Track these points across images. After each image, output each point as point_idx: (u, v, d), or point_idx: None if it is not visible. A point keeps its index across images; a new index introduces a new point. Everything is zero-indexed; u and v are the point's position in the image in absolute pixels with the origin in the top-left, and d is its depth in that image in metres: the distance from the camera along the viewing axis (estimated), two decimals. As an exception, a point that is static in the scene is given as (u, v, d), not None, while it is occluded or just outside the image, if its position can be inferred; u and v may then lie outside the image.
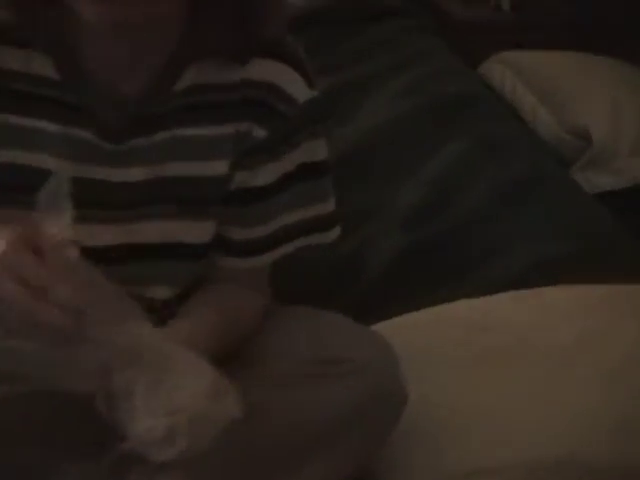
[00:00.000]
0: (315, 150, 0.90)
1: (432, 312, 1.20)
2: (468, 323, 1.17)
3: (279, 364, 0.89)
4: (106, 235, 0.87)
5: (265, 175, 0.87)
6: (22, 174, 0.85)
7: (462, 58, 2.09)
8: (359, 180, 1.49)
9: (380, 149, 1.62)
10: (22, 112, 0.84)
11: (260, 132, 0.85)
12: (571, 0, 2.36)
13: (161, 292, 0.90)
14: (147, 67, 0.82)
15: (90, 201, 0.83)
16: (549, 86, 2.06)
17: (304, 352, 0.89)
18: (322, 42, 1.84)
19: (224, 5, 0.79)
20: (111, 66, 0.82)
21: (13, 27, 0.79)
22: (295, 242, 0.92)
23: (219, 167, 0.86)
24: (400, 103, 1.77)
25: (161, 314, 0.86)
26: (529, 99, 2.06)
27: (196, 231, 0.88)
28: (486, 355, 1.11)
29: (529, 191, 1.51)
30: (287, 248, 0.92)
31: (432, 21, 2.28)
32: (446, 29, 2.27)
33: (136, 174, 0.85)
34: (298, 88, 0.86)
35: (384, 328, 1.06)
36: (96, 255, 0.78)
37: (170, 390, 0.71)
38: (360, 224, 1.39)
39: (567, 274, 1.26)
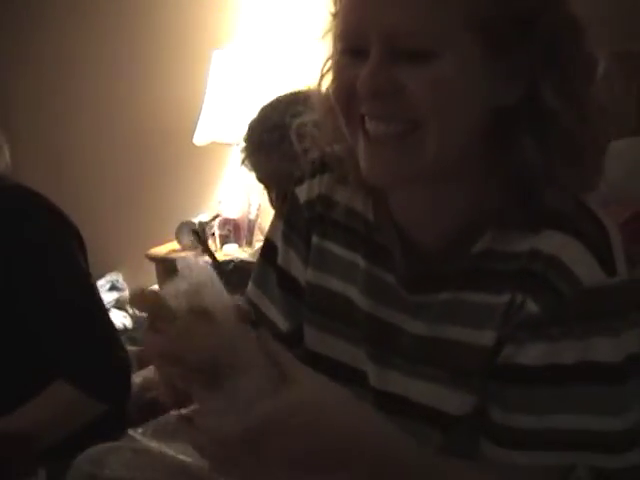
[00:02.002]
0: (604, 350, 0.78)
1: None
2: None
3: None
4: (389, 380, 0.90)
5: (531, 355, 0.80)
6: (331, 299, 0.95)
7: None
8: None
9: None
10: (342, 243, 0.95)
11: (533, 306, 0.80)
12: None
13: None
14: (447, 226, 0.85)
15: (380, 341, 0.91)
16: None
17: None
18: None
19: (513, 179, 0.80)
20: (412, 221, 0.88)
21: (345, 166, 0.90)
22: (568, 454, 0.80)
23: (488, 337, 0.83)
24: None
25: None
26: None
27: (457, 401, 0.85)
28: None
29: None
30: (558, 458, 0.81)
31: None
32: None
33: (420, 328, 0.88)
34: (586, 269, 0.78)
35: None
36: (376, 397, 0.90)
37: None
38: None
39: None
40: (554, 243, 0.79)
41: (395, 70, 0.77)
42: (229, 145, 2.87)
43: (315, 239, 0.97)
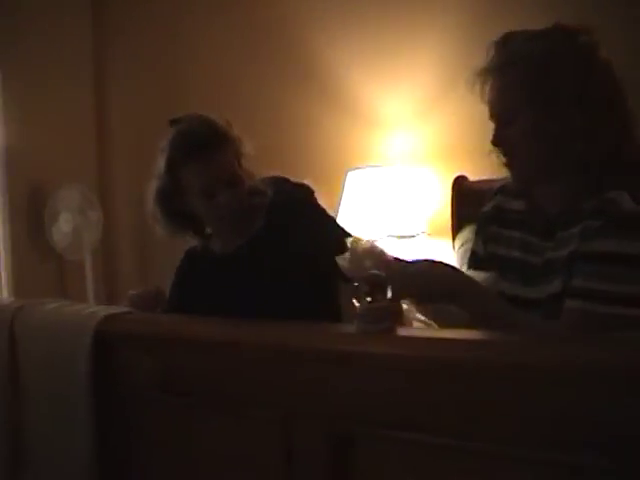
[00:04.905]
0: (631, 246, 1.42)
1: None
2: None
3: None
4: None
5: (596, 246, 1.44)
6: (501, 259, 1.70)
7: None
8: None
9: None
10: (507, 227, 1.71)
11: (597, 222, 1.46)
12: None
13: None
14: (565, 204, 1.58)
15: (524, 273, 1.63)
16: None
17: None
18: None
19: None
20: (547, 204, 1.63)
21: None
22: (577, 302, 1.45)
23: (574, 244, 1.50)
24: None
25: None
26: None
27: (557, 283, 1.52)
28: None
29: None
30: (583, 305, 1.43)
31: None
32: None
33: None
34: (627, 204, 1.45)
35: None
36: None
37: None
38: None
39: None
40: (611, 195, 1.45)
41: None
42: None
43: (494, 228, 1.73)
